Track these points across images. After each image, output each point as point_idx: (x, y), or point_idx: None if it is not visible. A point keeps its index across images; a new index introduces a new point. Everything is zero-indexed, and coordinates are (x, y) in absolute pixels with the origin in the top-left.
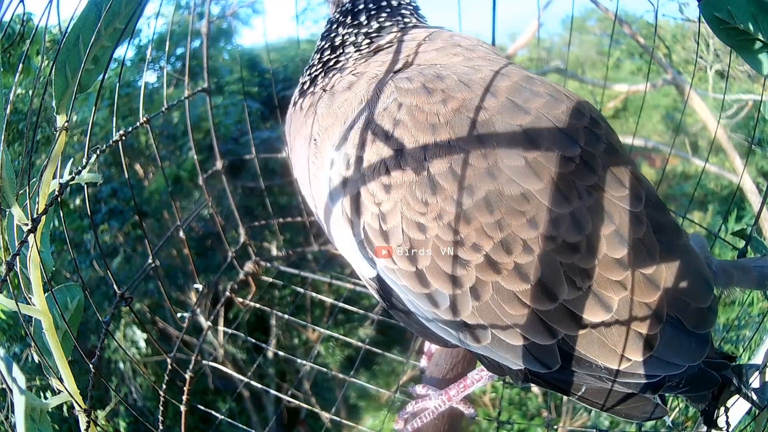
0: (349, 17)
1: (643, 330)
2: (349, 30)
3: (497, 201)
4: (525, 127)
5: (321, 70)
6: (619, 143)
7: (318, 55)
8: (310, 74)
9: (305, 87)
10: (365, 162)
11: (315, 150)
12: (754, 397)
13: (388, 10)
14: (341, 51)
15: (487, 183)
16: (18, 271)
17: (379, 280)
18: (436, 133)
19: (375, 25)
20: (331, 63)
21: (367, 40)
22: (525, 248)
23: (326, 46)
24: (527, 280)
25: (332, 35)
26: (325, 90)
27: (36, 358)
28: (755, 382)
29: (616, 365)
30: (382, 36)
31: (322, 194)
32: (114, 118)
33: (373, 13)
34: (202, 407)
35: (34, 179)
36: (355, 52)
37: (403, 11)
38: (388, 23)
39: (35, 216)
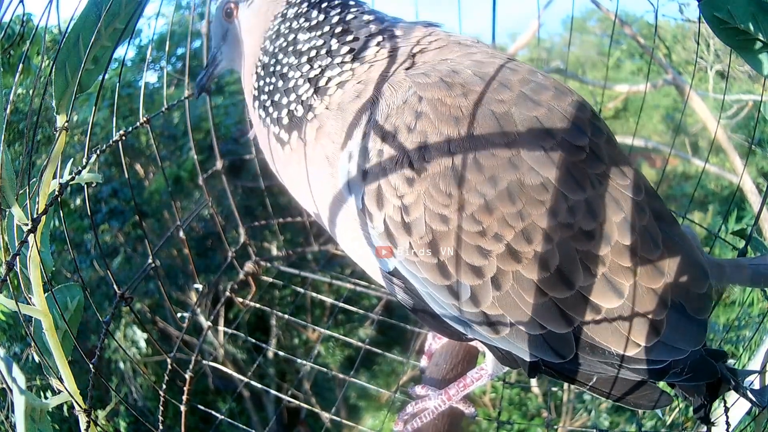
0: (302, 20)
1: (651, 315)
2: (313, 34)
3: (519, 191)
4: (540, 118)
5: (311, 89)
6: (613, 136)
7: (291, 74)
8: (297, 99)
9: (296, 114)
10: (386, 155)
11: (329, 167)
12: (751, 397)
13: (347, 7)
14: (329, 61)
15: (509, 173)
16: (18, 271)
17: (396, 274)
18: (460, 125)
19: (342, 25)
20: (322, 81)
21: (346, 46)
22: (544, 237)
23: (296, 61)
24: (546, 268)
25: (298, 47)
26: (328, 108)
27: (36, 358)
28: (755, 383)
29: (627, 351)
30: (360, 36)
31: (333, 191)
32: (114, 118)
33: (340, 11)
34: (203, 407)
35: (34, 179)
36: (347, 54)
37: (363, 8)
38: (354, 21)
39: (35, 216)
